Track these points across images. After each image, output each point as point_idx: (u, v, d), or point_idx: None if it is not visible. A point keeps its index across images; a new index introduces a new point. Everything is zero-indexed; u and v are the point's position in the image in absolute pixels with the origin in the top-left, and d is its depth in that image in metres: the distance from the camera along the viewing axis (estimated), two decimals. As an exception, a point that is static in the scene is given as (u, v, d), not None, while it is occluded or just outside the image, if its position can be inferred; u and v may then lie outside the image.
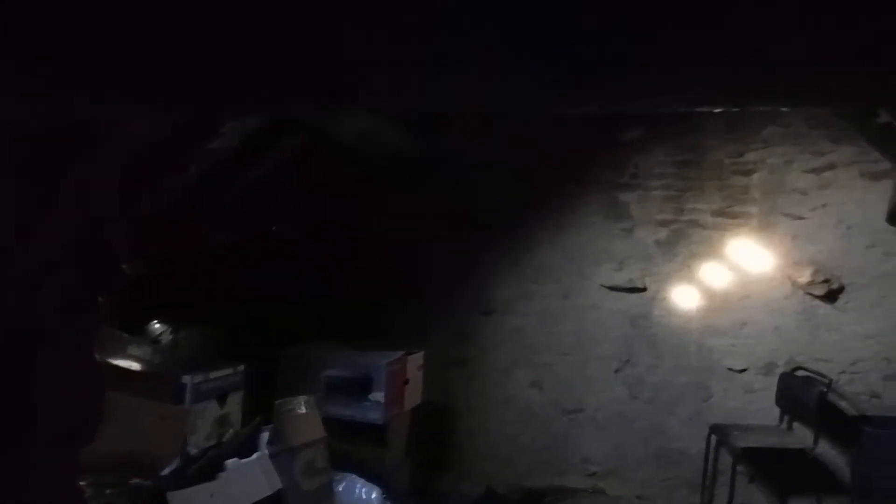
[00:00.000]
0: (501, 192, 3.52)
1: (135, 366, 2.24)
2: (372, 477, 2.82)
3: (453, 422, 3.60)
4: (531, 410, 3.55)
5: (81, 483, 0.92)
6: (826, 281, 3.13)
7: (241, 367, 2.63)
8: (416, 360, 3.19)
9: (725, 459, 3.17)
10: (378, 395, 2.88)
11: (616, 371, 3.42)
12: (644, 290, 3.37)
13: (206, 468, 2.07)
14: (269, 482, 2.16)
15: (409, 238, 3.61)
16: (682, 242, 3.35)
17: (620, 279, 3.40)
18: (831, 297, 3.15)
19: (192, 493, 1.96)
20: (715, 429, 3.15)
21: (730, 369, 3.28)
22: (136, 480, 2.09)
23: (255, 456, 2.21)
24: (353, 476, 2.75)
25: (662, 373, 3.36)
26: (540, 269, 3.55)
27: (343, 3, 0.79)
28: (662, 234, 3.38)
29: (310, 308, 3.45)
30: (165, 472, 2.13)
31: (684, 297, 3.33)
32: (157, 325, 3.04)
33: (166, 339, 3.04)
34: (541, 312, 3.54)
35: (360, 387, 2.89)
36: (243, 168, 3.07)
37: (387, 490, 2.79)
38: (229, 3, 0.77)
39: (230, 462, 2.17)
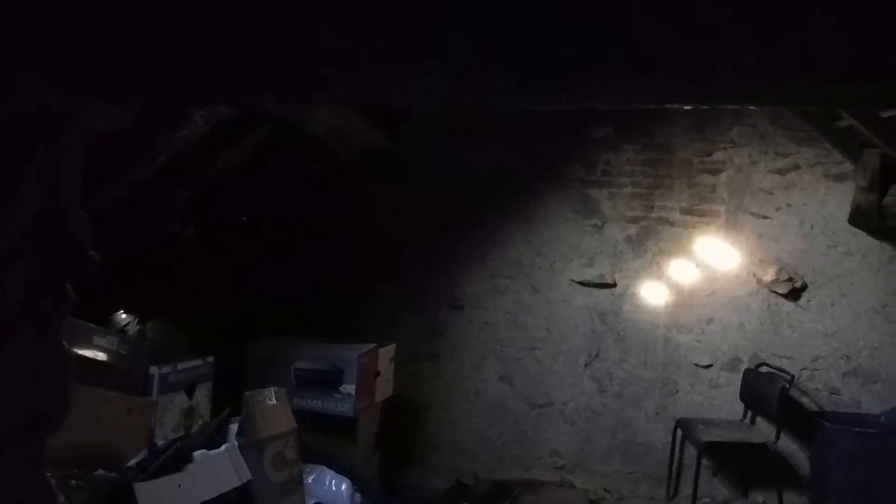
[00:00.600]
0: (472, 188, 3.53)
1: (101, 356, 2.21)
2: (341, 469, 2.82)
3: (423, 415, 3.61)
4: (501, 404, 3.58)
5: (47, 473, 0.91)
6: (789, 279, 3.21)
7: (210, 359, 2.60)
8: (388, 352, 3.20)
9: (690, 453, 3.23)
10: (349, 388, 2.88)
11: (585, 365, 3.46)
12: (614, 285, 3.42)
13: (174, 459, 2.05)
14: (238, 473, 2.14)
15: (379, 233, 3.61)
16: (652, 239, 3.41)
17: (590, 275, 3.45)
18: (794, 295, 3.23)
19: (159, 484, 1.94)
20: (680, 423, 3.21)
21: (696, 365, 3.34)
22: (100, 472, 2.07)
23: (223, 447, 2.19)
24: (323, 468, 2.75)
25: (630, 367, 3.42)
26: (510, 265, 3.57)
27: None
28: (632, 230, 3.43)
29: (277, 301, 3.43)
30: (131, 463, 2.10)
31: (652, 293, 3.38)
32: (124, 316, 2.99)
33: (133, 329, 3.00)
34: (511, 307, 3.57)
35: (330, 379, 2.89)
36: (212, 159, 3.03)
37: (356, 482, 2.80)
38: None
39: (198, 453, 2.14)
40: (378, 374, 3.09)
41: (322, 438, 2.89)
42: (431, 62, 0.90)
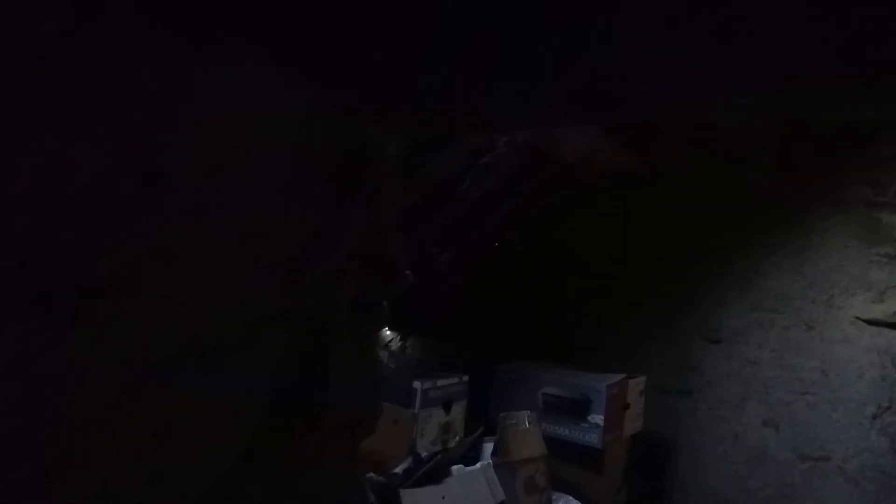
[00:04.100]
0: (731, 211, 3.27)
1: (373, 368, 2.42)
2: (588, 501, 2.75)
3: (673, 455, 3.38)
4: (763, 452, 3.22)
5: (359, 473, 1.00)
6: None
7: (466, 378, 2.72)
8: (638, 384, 3.06)
9: None
10: (597, 418, 2.80)
11: (873, 417, 2.98)
12: (914, 326, 2.91)
13: (435, 471, 2.16)
14: (493, 493, 2.19)
15: (627, 259, 3.50)
16: (966, 272, 2.84)
17: (881, 312, 2.97)
18: None
19: (423, 493, 2.06)
20: None
21: None
22: (371, 475, 2.25)
23: (479, 465, 2.27)
24: (570, 498, 2.71)
25: (935, 425, 2.86)
26: (777, 297, 3.22)
27: (614, 17, 0.77)
28: (939, 261, 2.89)
29: (524, 325, 3.48)
30: (397, 470, 2.26)
31: (967, 338, 2.81)
32: (388, 333, 3.25)
33: (395, 345, 3.25)
34: (778, 344, 3.21)
35: (578, 407, 2.84)
36: (466, 187, 3.19)
37: (604, 517, 2.70)
38: (506, 28, 0.79)
39: (456, 468, 2.24)
40: (627, 406, 2.97)
41: (567, 467, 2.85)
42: (743, 74, 0.83)
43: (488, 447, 2.43)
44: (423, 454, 2.27)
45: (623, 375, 2.99)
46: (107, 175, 0.60)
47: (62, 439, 0.55)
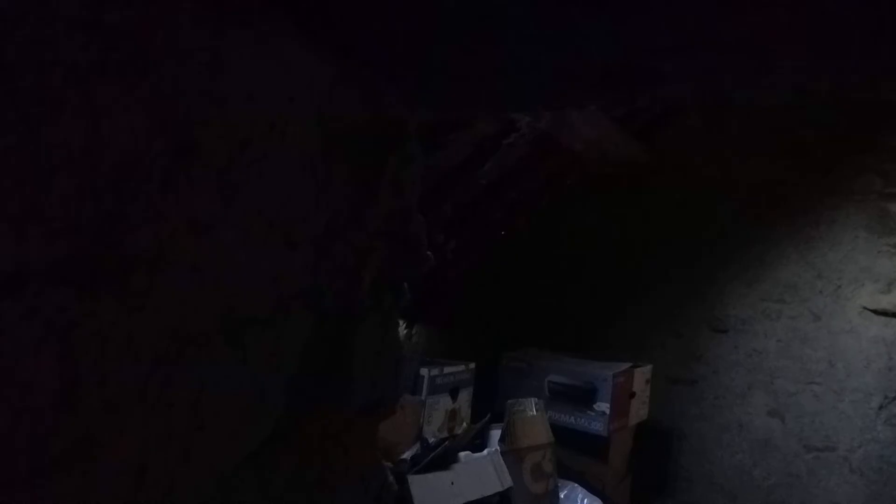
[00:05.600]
0: (737, 202, 3.26)
1: (381, 354, 2.42)
2: (593, 490, 2.75)
3: (678, 444, 3.39)
4: (768, 442, 3.23)
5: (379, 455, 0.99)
6: None
7: (472, 365, 2.71)
8: (644, 373, 3.06)
9: None
10: (603, 406, 2.80)
11: (879, 408, 2.98)
12: (922, 317, 2.91)
13: (443, 458, 2.16)
14: (500, 479, 2.19)
15: (633, 249, 3.49)
16: (975, 264, 2.84)
17: (889, 302, 2.97)
18: None
19: (432, 478, 2.06)
20: None
21: None
22: (379, 461, 2.25)
23: (486, 451, 2.26)
24: (575, 485, 2.71)
25: (941, 416, 2.86)
26: (784, 287, 3.22)
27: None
28: (948, 252, 2.89)
29: (529, 313, 3.48)
30: (405, 456, 2.26)
31: (975, 329, 2.81)
32: (394, 319, 3.25)
33: (402, 333, 3.24)
34: (784, 334, 3.21)
35: (584, 396, 2.84)
36: (473, 175, 3.17)
37: (609, 505, 2.71)
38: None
39: (463, 454, 2.24)
40: (633, 395, 2.97)
41: (573, 455, 2.85)
42: (786, 48, 0.82)
43: (495, 434, 2.43)
44: (431, 441, 2.27)
45: (629, 364, 2.99)
46: (140, 147, 0.58)
47: (97, 412, 0.54)
